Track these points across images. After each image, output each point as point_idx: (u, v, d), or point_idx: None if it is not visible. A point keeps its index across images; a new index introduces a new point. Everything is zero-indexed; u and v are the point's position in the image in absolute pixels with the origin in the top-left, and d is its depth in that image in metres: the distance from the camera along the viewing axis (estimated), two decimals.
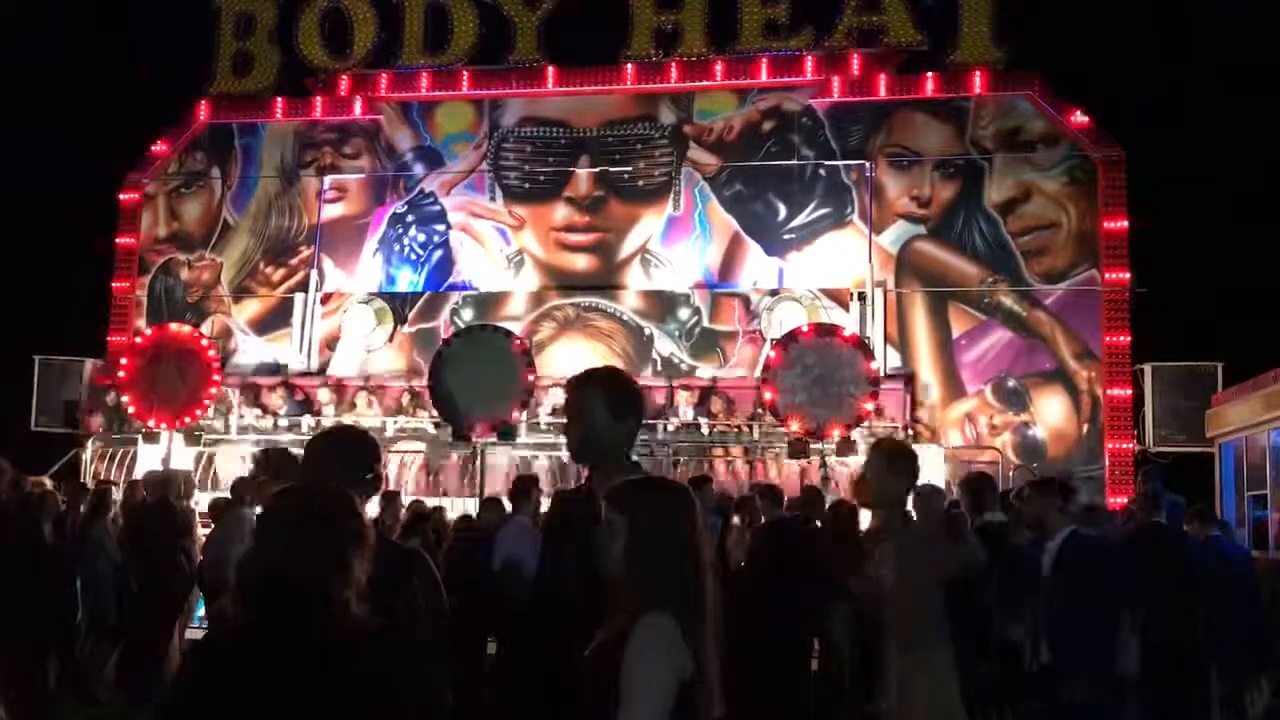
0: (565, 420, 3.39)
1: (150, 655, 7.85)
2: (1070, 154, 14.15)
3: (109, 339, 15.61)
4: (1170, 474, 10.20)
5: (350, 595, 2.49)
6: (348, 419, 12.59)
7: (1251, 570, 7.63)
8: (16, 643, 6.51)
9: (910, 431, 12.53)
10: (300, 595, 2.45)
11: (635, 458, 3.38)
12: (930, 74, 14.55)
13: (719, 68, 15.00)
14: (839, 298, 14.31)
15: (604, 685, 2.48)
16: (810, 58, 14.80)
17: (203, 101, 16.10)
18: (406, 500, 9.32)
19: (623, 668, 2.47)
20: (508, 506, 7.96)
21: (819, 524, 7.99)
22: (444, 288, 15.45)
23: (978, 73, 14.42)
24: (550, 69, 15.32)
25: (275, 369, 15.17)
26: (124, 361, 12.52)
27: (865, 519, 8.73)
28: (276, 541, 2.55)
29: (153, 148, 16.22)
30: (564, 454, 11.24)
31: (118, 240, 16.01)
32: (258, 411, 13.48)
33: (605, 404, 3.23)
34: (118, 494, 9.69)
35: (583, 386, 3.31)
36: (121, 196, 16.07)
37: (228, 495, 8.30)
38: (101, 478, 11.86)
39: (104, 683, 8.19)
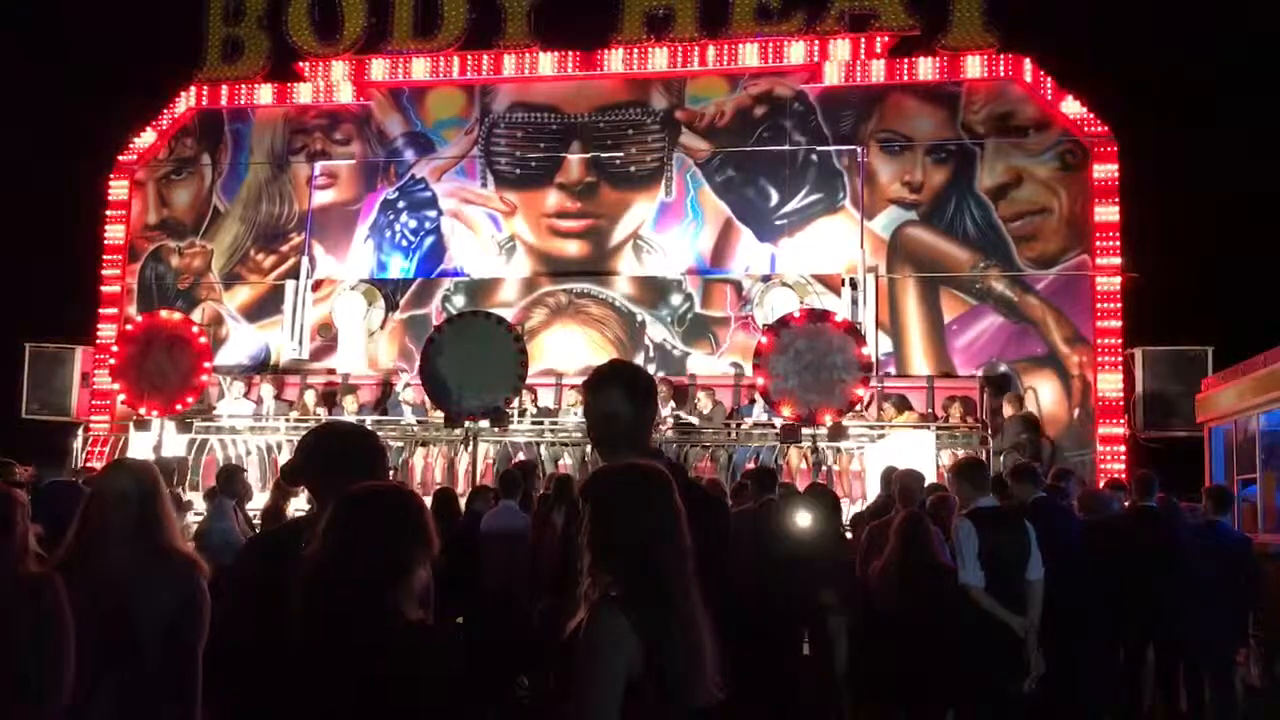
0: (585, 417, 3.36)
1: None
2: (1062, 139, 14.16)
3: (99, 327, 15.57)
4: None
5: None
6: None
7: (1247, 555, 7.65)
8: None
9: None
10: None
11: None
12: (922, 58, 14.51)
13: (710, 53, 14.97)
14: (831, 283, 14.29)
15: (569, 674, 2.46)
16: (802, 42, 14.76)
17: (192, 87, 16.04)
18: None
19: (574, 662, 2.45)
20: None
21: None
22: (435, 274, 15.42)
23: (969, 57, 14.40)
24: (541, 54, 15.27)
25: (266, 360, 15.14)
26: (115, 349, 12.50)
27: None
28: None
29: (142, 134, 16.15)
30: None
31: (107, 227, 15.95)
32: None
33: (624, 395, 3.21)
34: None
35: (602, 381, 3.28)
36: (111, 183, 16.01)
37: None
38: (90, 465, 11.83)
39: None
